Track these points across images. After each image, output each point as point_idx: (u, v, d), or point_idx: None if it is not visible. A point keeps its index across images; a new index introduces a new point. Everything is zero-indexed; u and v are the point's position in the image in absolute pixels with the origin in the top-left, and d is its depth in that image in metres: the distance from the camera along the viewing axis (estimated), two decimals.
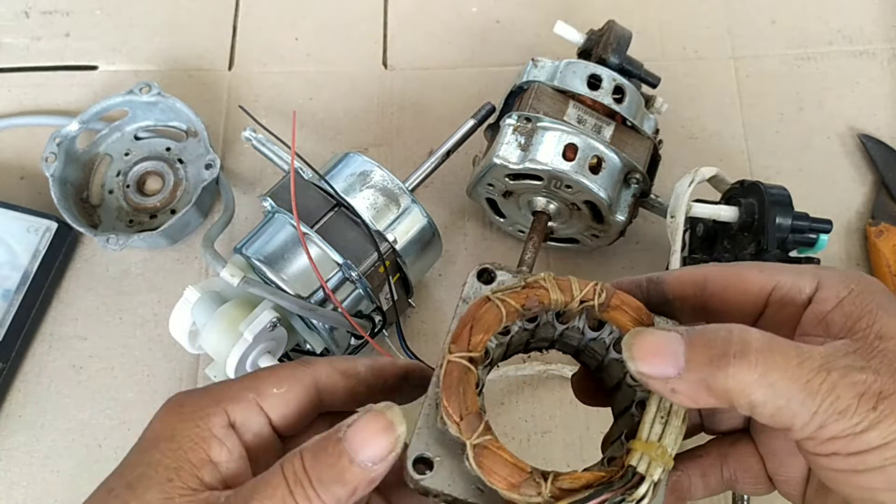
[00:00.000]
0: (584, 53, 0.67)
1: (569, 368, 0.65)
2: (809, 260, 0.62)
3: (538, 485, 0.30)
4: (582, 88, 0.61)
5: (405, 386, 0.39)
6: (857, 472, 0.30)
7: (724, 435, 0.39)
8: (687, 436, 0.39)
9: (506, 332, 0.35)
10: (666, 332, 0.31)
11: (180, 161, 0.74)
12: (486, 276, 0.36)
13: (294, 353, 0.63)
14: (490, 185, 0.64)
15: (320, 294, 0.57)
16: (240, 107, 0.68)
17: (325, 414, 0.38)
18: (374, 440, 0.31)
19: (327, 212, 0.59)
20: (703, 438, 0.40)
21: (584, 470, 0.32)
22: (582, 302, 0.34)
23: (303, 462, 0.31)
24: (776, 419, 0.30)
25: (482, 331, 0.33)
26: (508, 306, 0.34)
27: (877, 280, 0.33)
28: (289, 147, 0.61)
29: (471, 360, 0.33)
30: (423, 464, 0.32)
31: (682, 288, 0.36)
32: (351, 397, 0.37)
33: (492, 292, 0.34)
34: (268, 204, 0.59)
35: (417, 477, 0.32)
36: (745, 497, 0.58)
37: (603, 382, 0.39)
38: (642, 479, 0.30)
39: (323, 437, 0.32)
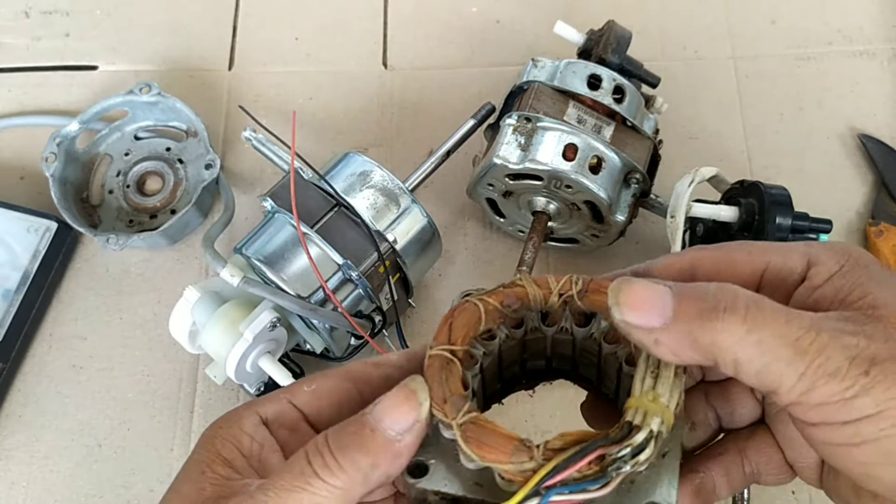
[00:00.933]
0: (584, 53, 0.67)
1: None
2: None
3: (529, 450, 0.29)
4: (582, 88, 0.61)
5: None
6: (853, 445, 0.28)
7: (740, 430, 0.38)
8: (704, 442, 0.38)
9: (490, 336, 0.35)
10: (654, 284, 0.30)
11: (180, 161, 0.74)
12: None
13: (294, 353, 0.63)
14: (490, 185, 0.64)
15: (320, 294, 0.57)
16: (240, 107, 0.68)
17: None
18: (395, 409, 0.31)
19: (327, 212, 0.59)
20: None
21: None
22: (560, 295, 0.34)
23: (325, 436, 0.32)
24: (762, 379, 0.29)
25: (462, 326, 0.33)
26: (486, 304, 0.34)
27: (868, 253, 0.32)
28: (289, 147, 0.61)
29: (452, 353, 0.32)
30: (418, 468, 0.32)
31: (671, 276, 0.35)
32: (388, 384, 0.36)
33: (469, 295, 0.34)
34: (268, 204, 0.59)
35: (413, 481, 0.31)
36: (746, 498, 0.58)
37: (609, 398, 0.38)
38: (639, 430, 0.29)
39: (351, 417, 0.32)
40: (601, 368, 0.37)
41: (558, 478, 0.28)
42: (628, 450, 0.28)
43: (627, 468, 0.28)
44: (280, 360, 0.59)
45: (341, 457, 0.31)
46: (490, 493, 0.31)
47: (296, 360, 0.62)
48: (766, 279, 0.34)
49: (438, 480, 0.31)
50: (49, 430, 0.65)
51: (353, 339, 0.62)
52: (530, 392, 0.40)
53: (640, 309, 0.30)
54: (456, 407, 0.31)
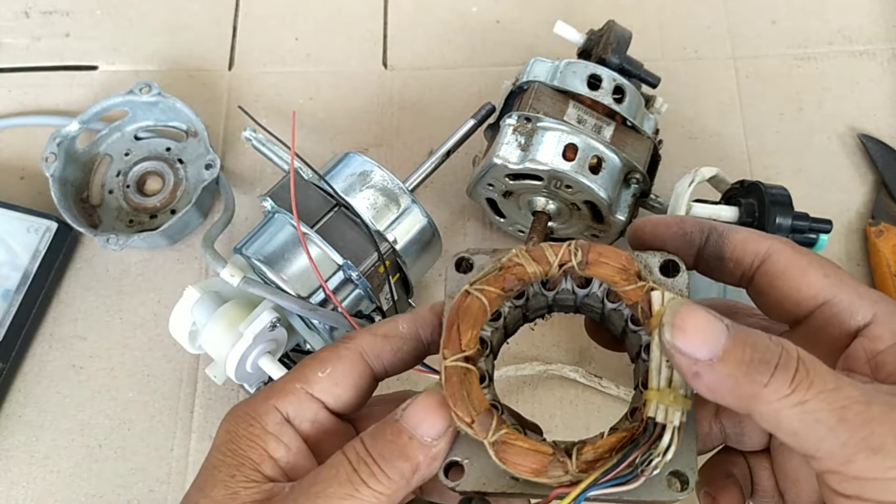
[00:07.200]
0: (584, 53, 0.67)
1: (569, 368, 0.65)
2: None
3: (563, 464, 0.30)
4: (582, 88, 0.61)
5: None
6: None
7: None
8: (709, 450, 0.39)
9: (497, 316, 0.35)
10: (713, 316, 0.29)
11: (180, 161, 0.74)
12: (463, 265, 0.36)
13: (294, 353, 0.63)
14: (490, 185, 0.64)
15: (320, 294, 0.57)
16: (239, 107, 0.68)
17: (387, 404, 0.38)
18: (429, 416, 0.32)
19: (327, 212, 0.59)
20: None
21: (610, 431, 0.32)
22: (561, 266, 0.34)
23: (363, 443, 0.33)
24: (800, 441, 0.28)
25: (469, 327, 0.33)
26: (489, 294, 0.34)
27: None
28: (288, 147, 0.61)
29: (466, 359, 0.33)
30: (454, 468, 0.33)
31: (744, 253, 0.34)
32: (399, 357, 0.37)
33: (469, 285, 0.34)
34: (268, 204, 0.59)
35: (451, 484, 0.32)
36: None
37: (610, 331, 0.39)
38: (664, 428, 0.30)
39: (380, 422, 0.33)
40: (605, 317, 0.37)
41: (597, 485, 0.30)
42: (658, 450, 0.30)
43: (656, 461, 0.30)
44: (280, 360, 0.58)
45: (386, 465, 0.32)
46: (526, 486, 0.32)
47: (296, 360, 0.62)
48: (823, 310, 0.32)
49: (476, 480, 0.33)
50: (49, 430, 0.65)
51: None
52: (531, 326, 0.41)
53: (691, 336, 0.29)
54: (485, 426, 0.32)
